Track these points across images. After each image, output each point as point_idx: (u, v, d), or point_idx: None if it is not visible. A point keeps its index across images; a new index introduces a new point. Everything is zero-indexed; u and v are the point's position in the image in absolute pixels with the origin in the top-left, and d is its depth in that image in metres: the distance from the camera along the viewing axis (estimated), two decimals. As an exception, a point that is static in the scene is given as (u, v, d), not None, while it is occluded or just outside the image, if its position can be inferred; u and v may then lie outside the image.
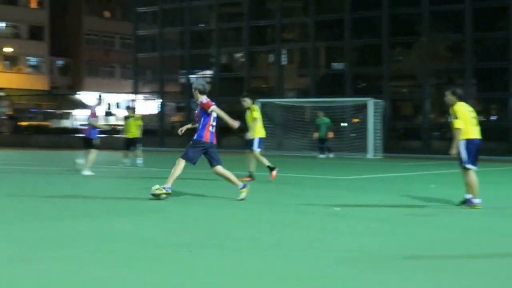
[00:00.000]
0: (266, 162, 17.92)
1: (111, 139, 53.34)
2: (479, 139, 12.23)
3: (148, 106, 53.53)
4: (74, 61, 79.84)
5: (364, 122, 35.77)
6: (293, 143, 37.26)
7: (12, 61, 74.91)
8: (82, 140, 20.56)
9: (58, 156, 35.09)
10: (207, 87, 13.32)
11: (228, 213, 11.51)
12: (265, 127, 34.59)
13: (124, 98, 63.49)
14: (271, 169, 17.82)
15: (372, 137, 34.64)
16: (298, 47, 47.81)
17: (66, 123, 66.89)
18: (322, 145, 33.78)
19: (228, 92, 47.73)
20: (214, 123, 13.11)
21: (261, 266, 7.10)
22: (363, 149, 34.83)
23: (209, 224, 10.19)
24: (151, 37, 52.96)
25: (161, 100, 50.47)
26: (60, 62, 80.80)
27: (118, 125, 62.21)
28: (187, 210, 11.90)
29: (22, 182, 17.62)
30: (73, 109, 71.87)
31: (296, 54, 48.29)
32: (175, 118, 52.98)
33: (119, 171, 23.00)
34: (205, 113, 13.04)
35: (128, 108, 28.12)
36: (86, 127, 20.55)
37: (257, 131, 18.08)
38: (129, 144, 25.66)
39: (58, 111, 63.89)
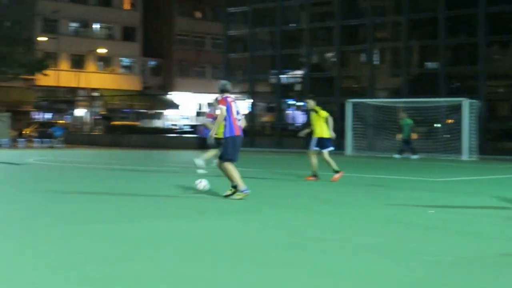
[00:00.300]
0: (332, 163, 17.96)
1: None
2: None
3: (238, 106, 53.74)
4: (166, 61, 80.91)
5: (458, 123, 34.92)
6: (385, 144, 36.67)
7: (105, 62, 76.45)
8: (198, 140, 20.97)
9: (155, 156, 35.48)
10: (228, 86, 13.38)
11: (319, 213, 11.27)
12: (356, 127, 34.10)
13: (214, 98, 63.84)
14: (336, 171, 17.87)
15: (467, 138, 33.78)
16: (390, 46, 47.15)
17: (157, 123, 67.83)
18: (405, 147, 33.19)
19: (318, 92, 47.46)
20: (238, 117, 13.30)
21: (357, 267, 6.88)
22: (457, 150, 34.01)
23: (302, 224, 10.02)
24: (241, 37, 53.13)
25: (251, 100, 50.52)
26: (152, 63, 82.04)
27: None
28: (277, 212, 11.71)
29: (121, 180, 17.77)
30: (165, 109, 72.85)
31: (388, 54, 47.63)
32: (265, 118, 52.98)
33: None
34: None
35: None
36: (201, 127, 20.92)
37: (319, 132, 18.17)
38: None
39: (149, 111, 64.83)
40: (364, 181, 18.86)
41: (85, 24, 75.19)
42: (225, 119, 13.18)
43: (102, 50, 71.96)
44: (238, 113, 13.38)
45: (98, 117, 69.14)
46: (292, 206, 12.36)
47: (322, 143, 18.25)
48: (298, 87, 51.73)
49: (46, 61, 60.64)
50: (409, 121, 33.28)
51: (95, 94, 72.23)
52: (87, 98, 72.58)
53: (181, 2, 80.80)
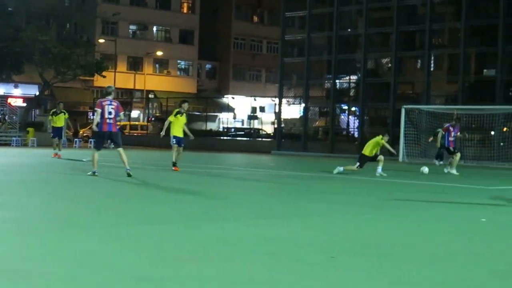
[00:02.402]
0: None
1: (258, 143, 53.80)
2: None
3: (291, 110, 53.58)
4: (221, 64, 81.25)
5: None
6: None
7: (162, 64, 77.12)
8: None
9: (214, 158, 35.66)
10: (110, 90, 18.08)
11: (373, 219, 11.19)
12: (409, 134, 33.62)
13: (268, 102, 63.89)
14: None
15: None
16: (447, 52, 46.50)
17: (212, 126, 68.07)
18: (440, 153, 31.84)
19: (373, 97, 47.10)
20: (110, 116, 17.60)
21: (413, 274, 6.77)
22: (512, 159, 33.45)
23: (362, 230, 9.97)
24: (298, 41, 52.99)
25: (304, 105, 50.36)
26: (208, 66, 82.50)
27: (261, 129, 62.68)
28: (333, 217, 11.65)
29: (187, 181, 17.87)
30: (219, 112, 73.10)
31: (445, 60, 46.98)
32: (319, 123, 52.73)
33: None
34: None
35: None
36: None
37: None
38: None
39: (204, 114, 65.09)
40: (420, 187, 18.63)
41: (144, 27, 75.99)
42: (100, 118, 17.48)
43: (159, 53, 72.61)
44: (110, 113, 17.51)
45: (152, 118, 69.68)
46: (348, 211, 12.25)
47: None
48: (352, 92, 51.42)
49: (104, 63, 61.46)
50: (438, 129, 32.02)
51: (151, 96, 72.85)
52: (143, 100, 73.26)
53: (239, 6, 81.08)
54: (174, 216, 10.69)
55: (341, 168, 22.43)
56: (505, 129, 37.28)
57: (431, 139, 31.59)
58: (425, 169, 24.34)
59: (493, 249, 8.42)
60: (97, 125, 17.72)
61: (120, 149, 17.86)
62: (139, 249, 7.48)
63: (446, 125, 27.02)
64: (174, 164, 21.72)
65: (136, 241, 8.02)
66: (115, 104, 17.70)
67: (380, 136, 22.14)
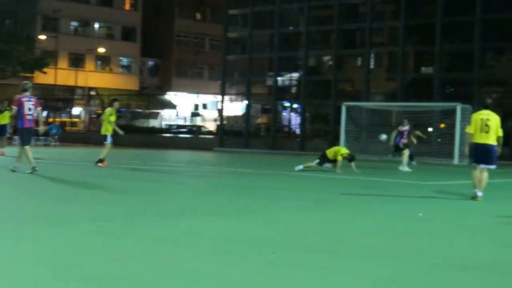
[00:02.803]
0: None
1: (197, 140, 53.81)
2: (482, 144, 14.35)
3: (234, 107, 53.74)
4: (164, 62, 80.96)
5: (451, 127, 34.96)
6: (378, 147, 36.68)
7: (104, 61, 76.51)
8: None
9: (150, 155, 35.51)
10: (27, 86, 17.86)
11: (329, 218, 11.35)
12: (350, 130, 34.04)
13: (211, 99, 63.90)
14: None
15: (459, 143, 33.81)
16: (386, 51, 47.17)
17: (154, 123, 67.85)
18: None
19: (315, 95, 47.52)
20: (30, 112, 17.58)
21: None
22: (449, 155, 34.05)
23: (321, 228, 10.04)
24: (240, 39, 53.14)
25: (246, 102, 50.56)
26: (150, 63, 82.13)
27: (203, 126, 62.67)
28: (287, 214, 11.77)
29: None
30: (161, 109, 72.86)
31: (385, 58, 47.67)
32: (261, 120, 52.99)
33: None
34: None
35: None
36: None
37: None
38: None
39: (146, 111, 64.81)
40: (358, 184, 18.92)
41: (86, 23, 75.28)
42: (19, 115, 17.50)
43: (101, 50, 72.00)
44: (30, 109, 17.48)
45: (94, 116, 69.11)
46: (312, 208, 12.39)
47: None
48: (294, 90, 51.79)
49: (45, 60, 60.66)
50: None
51: (92, 93, 72.21)
52: (84, 97, 72.58)
53: (181, 3, 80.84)
54: (117, 214, 10.58)
55: (301, 166, 22.72)
56: (442, 125, 38.02)
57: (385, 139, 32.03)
58: (383, 136, 26.24)
59: (429, 244, 8.64)
60: (20, 122, 17.84)
61: (27, 147, 17.83)
62: (83, 248, 7.46)
63: (403, 128, 28.00)
64: (102, 161, 22.09)
65: (78, 240, 8.00)
66: (33, 100, 17.81)
67: (342, 152, 22.43)
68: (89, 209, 10.94)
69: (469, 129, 14.62)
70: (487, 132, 14.36)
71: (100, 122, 23.64)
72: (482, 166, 14.48)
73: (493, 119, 14.47)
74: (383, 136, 26.11)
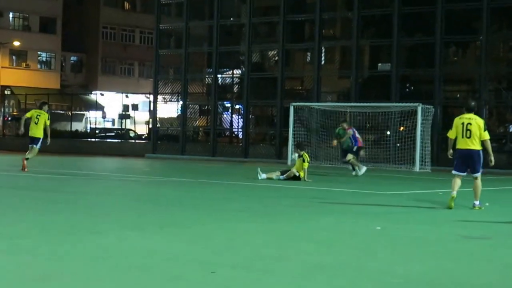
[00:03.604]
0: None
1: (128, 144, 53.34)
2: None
3: (168, 108, 53.38)
4: (89, 57, 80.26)
5: (411, 130, 35.23)
6: (330, 153, 36.79)
7: (20, 56, 75.48)
8: None
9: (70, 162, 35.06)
10: None
11: (255, 229, 11.25)
12: (298, 133, 34.21)
13: (142, 99, 63.44)
14: None
15: (419, 147, 34.10)
16: (339, 45, 47.35)
17: (78, 126, 67.06)
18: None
19: (259, 94, 47.42)
20: None
21: None
22: (409, 161, 34.32)
23: (242, 241, 10.02)
24: (175, 31, 52.84)
25: (182, 102, 50.26)
26: (73, 58, 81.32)
27: (131, 130, 62.18)
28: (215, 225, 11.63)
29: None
30: (86, 110, 72.07)
31: (337, 53, 47.84)
32: (199, 122, 52.67)
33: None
34: None
35: None
36: None
37: None
38: None
39: (68, 112, 64.05)
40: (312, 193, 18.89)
41: (-2, 13, 74.24)
42: None
43: (16, 43, 71.02)
44: None
45: (9, 118, 68.02)
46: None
47: None
48: (236, 88, 51.67)
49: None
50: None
51: (7, 92, 71.10)
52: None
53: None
54: (35, 230, 10.45)
55: (264, 175, 22.91)
56: (401, 128, 38.29)
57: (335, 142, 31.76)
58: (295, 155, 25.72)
59: (384, 261, 8.59)
60: None
61: None
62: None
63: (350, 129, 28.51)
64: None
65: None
66: None
67: (306, 164, 22.75)
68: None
69: (451, 134, 15.24)
70: (469, 137, 14.87)
71: (20, 125, 26.17)
72: (463, 174, 15.15)
73: (475, 123, 14.91)
74: (295, 155, 26.38)
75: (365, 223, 12.27)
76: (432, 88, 41.25)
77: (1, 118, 67.78)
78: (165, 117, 54.46)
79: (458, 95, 44.71)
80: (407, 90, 43.67)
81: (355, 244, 10.00)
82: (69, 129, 59.30)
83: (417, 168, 33.68)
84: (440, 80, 41.04)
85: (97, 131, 63.00)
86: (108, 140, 57.57)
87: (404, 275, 7.70)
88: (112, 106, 71.59)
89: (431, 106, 36.69)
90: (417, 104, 35.15)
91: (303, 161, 22.87)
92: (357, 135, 28.83)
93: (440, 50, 40.84)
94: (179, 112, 50.93)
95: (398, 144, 36.72)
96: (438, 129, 38.62)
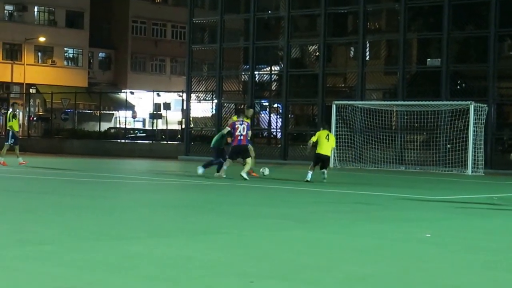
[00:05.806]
0: None
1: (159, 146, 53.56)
2: None
3: (202, 107, 53.47)
4: (118, 53, 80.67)
5: (462, 130, 35.00)
6: (375, 155, 36.65)
7: (45, 52, 76.05)
8: None
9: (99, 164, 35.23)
10: None
11: (295, 237, 11.22)
12: (340, 134, 34.01)
13: (174, 97, 63.64)
14: None
15: (472, 149, 33.85)
16: (384, 39, 47.14)
17: (107, 127, 67.45)
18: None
19: (299, 92, 47.37)
20: None
21: None
22: (461, 164, 34.10)
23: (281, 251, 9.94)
24: (209, 25, 52.94)
25: (217, 101, 50.35)
26: (101, 54, 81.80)
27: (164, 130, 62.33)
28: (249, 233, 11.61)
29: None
30: (116, 110, 72.44)
31: (382, 48, 47.61)
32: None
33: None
34: None
35: None
36: None
37: None
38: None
39: (97, 112, 64.46)
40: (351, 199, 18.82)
41: (23, 7, 74.77)
42: None
43: (42, 39, 71.58)
44: None
45: (35, 118, 68.61)
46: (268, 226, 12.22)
47: None
48: (274, 86, 51.65)
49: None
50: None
51: (32, 90, 71.71)
52: (23, 95, 72.08)
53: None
54: (61, 236, 10.49)
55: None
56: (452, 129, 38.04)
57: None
58: (266, 171, 25.96)
59: (432, 271, 8.49)
60: None
61: None
62: (10, 276, 7.35)
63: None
64: None
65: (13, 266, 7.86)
66: None
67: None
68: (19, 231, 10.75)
69: None
70: None
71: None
72: None
73: None
74: (266, 171, 25.99)
75: (413, 230, 12.18)
76: (485, 85, 40.92)
77: (26, 118, 68.38)
78: (199, 116, 54.58)
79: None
80: (458, 87, 43.35)
81: (402, 253, 9.91)
82: (98, 130, 59.66)
83: (469, 171, 33.46)
84: (494, 76, 40.67)
85: (127, 132, 63.23)
86: (139, 141, 57.80)
87: (454, 286, 7.62)
88: (142, 105, 71.96)
89: (485, 104, 36.39)
90: (469, 102, 34.92)
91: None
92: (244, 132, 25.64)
93: (494, 44, 40.50)
94: (214, 112, 51.00)
95: (449, 146, 36.50)
96: (492, 129, 38.31)
